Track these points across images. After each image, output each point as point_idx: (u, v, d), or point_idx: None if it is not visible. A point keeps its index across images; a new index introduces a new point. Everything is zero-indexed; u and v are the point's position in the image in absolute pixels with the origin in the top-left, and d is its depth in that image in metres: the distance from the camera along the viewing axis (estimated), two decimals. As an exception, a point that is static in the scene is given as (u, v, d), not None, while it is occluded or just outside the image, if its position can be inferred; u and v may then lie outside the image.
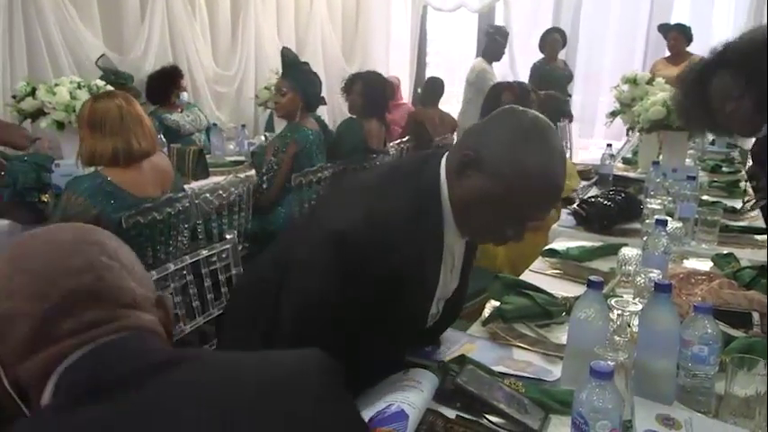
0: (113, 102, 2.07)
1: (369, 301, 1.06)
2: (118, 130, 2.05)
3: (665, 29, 4.90)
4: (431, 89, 4.75)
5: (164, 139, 3.31)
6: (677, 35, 4.75)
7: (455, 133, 4.69)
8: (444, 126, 4.60)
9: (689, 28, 4.78)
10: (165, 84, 3.86)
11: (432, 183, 1.13)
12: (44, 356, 0.65)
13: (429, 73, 6.51)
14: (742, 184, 2.98)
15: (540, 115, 1.13)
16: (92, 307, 0.68)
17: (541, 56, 5.19)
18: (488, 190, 1.08)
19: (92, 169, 2.12)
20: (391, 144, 4.27)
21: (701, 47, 5.07)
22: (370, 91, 3.46)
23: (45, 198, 2.36)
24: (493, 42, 5.10)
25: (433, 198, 1.12)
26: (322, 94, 3.27)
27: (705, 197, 2.62)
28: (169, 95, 3.84)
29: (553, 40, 5.13)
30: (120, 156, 2.05)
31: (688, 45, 4.76)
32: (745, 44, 1.55)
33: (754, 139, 1.91)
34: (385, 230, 1.07)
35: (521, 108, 1.16)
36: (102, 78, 3.38)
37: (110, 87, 3.00)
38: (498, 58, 5.18)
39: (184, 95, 3.95)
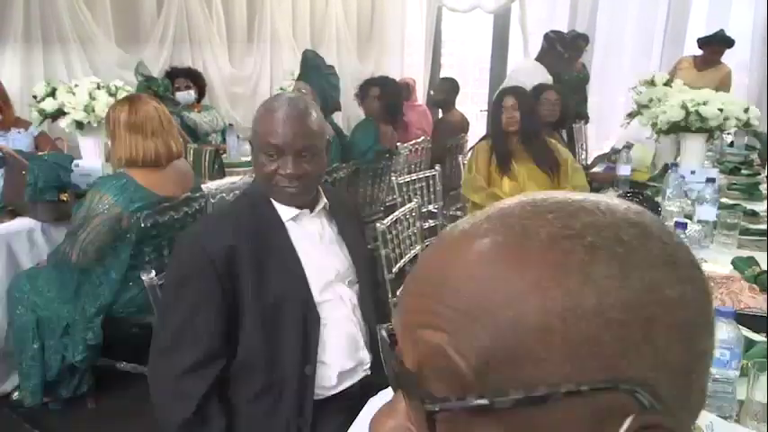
0: (151, 105, 2.14)
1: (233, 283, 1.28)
2: (159, 133, 2.11)
3: (709, 41, 4.54)
4: (449, 91, 4.69)
5: (187, 137, 3.36)
6: (721, 49, 4.48)
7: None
8: (460, 127, 4.59)
9: (727, 36, 4.51)
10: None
11: (254, 183, 1.44)
12: None
13: (443, 74, 6.50)
14: (762, 187, 2.95)
15: (290, 93, 1.41)
16: None
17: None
18: (253, 151, 1.38)
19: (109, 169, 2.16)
20: (405, 144, 4.28)
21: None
22: (386, 97, 3.48)
23: (64, 197, 2.39)
24: (552, 50, 4.46)
25: (255, 190, 1.41)
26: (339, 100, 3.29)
27: (724, 200, 2.59)
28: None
29: (576, 46, 5.06)
30: (161, 157, 2.12)
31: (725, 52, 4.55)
32: None
33: None
34: (209, 225, 1.42)
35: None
36: (139, 86, 3.43)
37: (128, 89, 3.04)
38: (552, 70, 4.40)
39: (187, 95, 3.93)
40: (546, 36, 4.54)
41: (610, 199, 0.39)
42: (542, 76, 4.14)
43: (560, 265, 0.35)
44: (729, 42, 4.52)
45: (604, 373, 0.34)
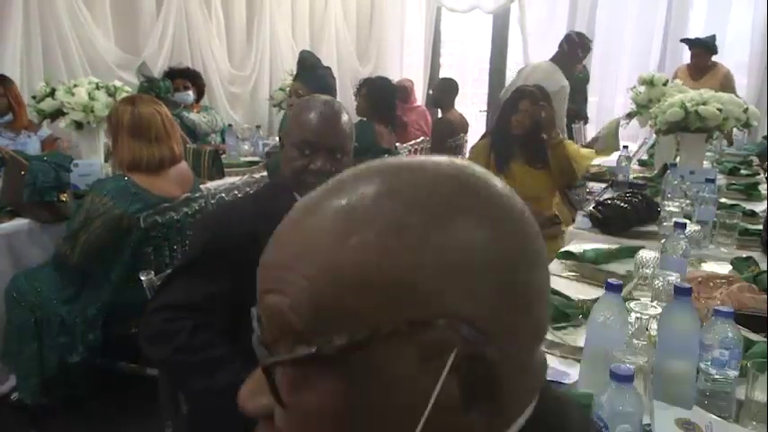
0: (154, 108, 2.12)
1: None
2: (162, 138, 2.10)
3: (687, 43, 4.60)
4: (448, 90, 4.68)
5: (186, 137, 3.36)
6: (699, 51, 4.47)
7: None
8: (460, 127, 4.59)
9: (713, 42, 4.51)
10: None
11: (277, 177, 1.51)
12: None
13: (442, 74, 6.50)
14: (761, 187, 2.95)
15: (324, 96, 1.50)
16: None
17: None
18: (285, 146, 1.43)
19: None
20: (404, 145, 4.28)
21: (720, 45, 5.00)
22: (373, 96, 3.48)
23: (64, 197, 2.39)
24: (572, 53, 4.33)
25: (278, 183, 1.48)
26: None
27: (723, 200, 2.59)
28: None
29: None
30: (165, 161, 2.11)
31: (711, 58, 4.52)
32: None
33: None
34: (232, 209, 1.51)
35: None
36: (140, 87, 3.42)
37: (127, 89, 3.04)
38: (566, 73, 4.34)
39: (186, 96, 3.95)
40: (568, 38, 4.37)
41: (438, 158, 0.43)
42: (560, 80, 4.07)
43: (378, 220, 0.38)
44: (709, 48, 4.46)
45: (421, 312, 0.37)
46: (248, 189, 2.92)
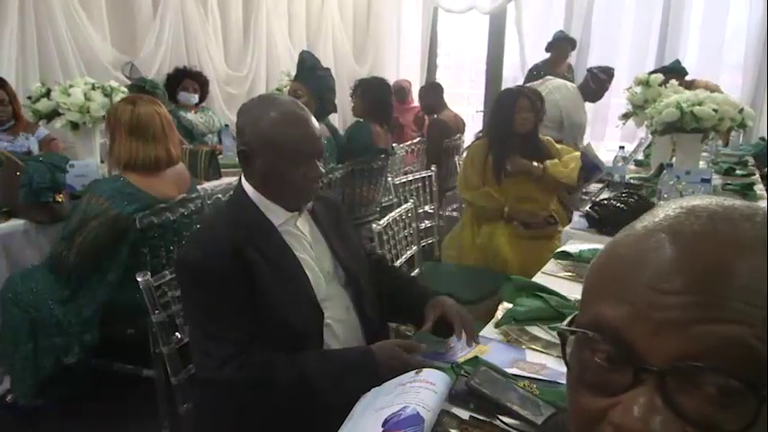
0: (153, 108, 2.12)
1: (245, 282, 1.28)
2: (160, 138, 2.10)
3: (659, 72, 4.41)
4: (433, 93, 4.72)
5: (183, 138, 3.37)
6: (670, 77, 4.16)
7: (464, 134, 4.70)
8: (455, 127, 4.60)
9: (678, 66, 4.53)
10: (170, 84, 3.95)
11: (237, 191, 1.42)
12: None
13: (439, 74, 6.51)
14: (757, 187, 2.96)
15: (273, 93, 1.40)
16: None
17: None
18: (265, 160, 1.34)
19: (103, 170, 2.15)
20: (401, 145, 4.28)
21: (716, 45, 5.01)
22: (369, 96, 3.48)
23: (60, 198, 2.38)
24: (596, 88, 4.35)
25: (241, 198, 1.40)
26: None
27: (719, 200, 2.59)
28: (173, 95, 3.92)
29: (561, 48, 5.05)
30: (161, 162, 2.10)
31: (684, 79, 4.45)
32: None
33: None
34: (209, 226, 1.41)
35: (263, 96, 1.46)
36: (131, 88, 3.44)
37: (123, 90, 3.04)
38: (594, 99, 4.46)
39: (191, 97, 3.97)
40: (594, 76, 4.38)
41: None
42: (578, 107, 4.11)
43: None
44: (678, 72, 4.45)
45: None
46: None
